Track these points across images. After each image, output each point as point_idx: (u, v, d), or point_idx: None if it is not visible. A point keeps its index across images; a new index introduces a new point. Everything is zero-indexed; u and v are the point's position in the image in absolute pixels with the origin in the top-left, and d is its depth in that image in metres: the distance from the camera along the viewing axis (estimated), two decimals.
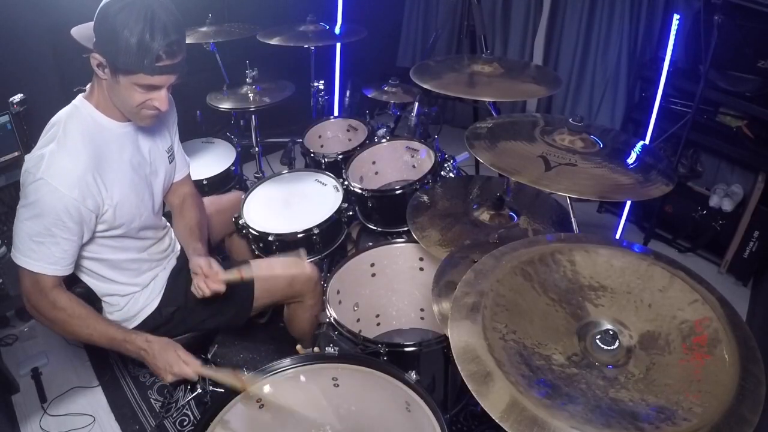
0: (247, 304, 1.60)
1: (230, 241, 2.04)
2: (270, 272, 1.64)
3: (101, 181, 1.26)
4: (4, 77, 2.27)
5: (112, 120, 1.30)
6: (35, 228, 1.20)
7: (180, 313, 1.51)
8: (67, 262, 1.26)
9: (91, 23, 1.18)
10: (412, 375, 1.21)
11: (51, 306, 1.27)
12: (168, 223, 1.65)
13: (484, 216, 1.73)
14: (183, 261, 1.61)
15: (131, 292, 1.46)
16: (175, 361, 1.27)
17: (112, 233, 1.34)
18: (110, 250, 1.38)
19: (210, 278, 1.40)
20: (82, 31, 1.29)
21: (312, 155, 2.38)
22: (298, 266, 1.67)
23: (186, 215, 1.62)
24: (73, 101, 1.28)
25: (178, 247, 1.65)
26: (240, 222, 1.92)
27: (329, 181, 2.14)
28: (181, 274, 1.58)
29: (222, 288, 1.40)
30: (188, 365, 1.27)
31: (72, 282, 1.45)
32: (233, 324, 1.63)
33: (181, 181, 1.65)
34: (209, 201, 1.93)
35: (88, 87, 1.30)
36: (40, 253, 1.22)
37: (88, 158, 1.23)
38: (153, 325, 1.49)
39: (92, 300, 1.44)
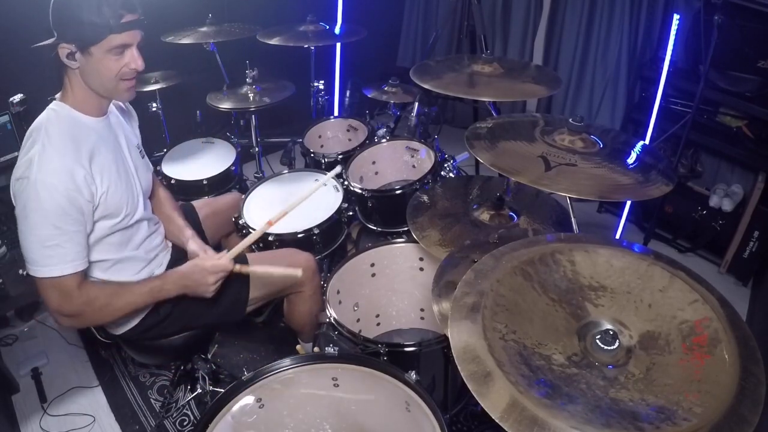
0: (243, 295, 1.60)
1: (228, 242, 2.04)
2: (266, 262, 1.65)
3: (90, 171, 1.28)
4: (4, 77, 2.27)
5: (90, 116, 1.34)
6: (44, 232, 1.20)
7: (177, 309, 1.51)
8: (83, 254, 1.28)
9: (43, 42, 1.25)
10: (412, 375, 1.21)
11: (85, 303, 1.28)
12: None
13: (484, 216, 1.73)
14: (176, 255, 1.62)
15: None
16: (210, 268, 1.41)
17: (110, 224, 1.35)
18: (108, 248, 1.39)
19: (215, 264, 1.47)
20: (46, 42, 1.32)
21: (312, 155, 2.38)
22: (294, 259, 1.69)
23: (157, 193, 1.68)
24: (49, 106, 1.31)
25: (170, 243, 1.66)
26: (240, 222, 1.92)
27: (329, 181, 2.14)
28: None
29: (229, 266, 1.46)
30: (220, 260, 1.44)
31: None
32: (230, 318, 1.63)
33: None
34: (206, 203, 1.93)
35: (58, 95, 1.33)
36: (56, 257, 1.22)
37: (74, 152, 1.25)
38: (151, 323, 1.49)
39: None
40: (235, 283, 1.59)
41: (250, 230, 1.89)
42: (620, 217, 2.79)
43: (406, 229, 1.81)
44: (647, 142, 2.24)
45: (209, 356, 1.77)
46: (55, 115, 1.28)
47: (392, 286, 1.91)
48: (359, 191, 2.06)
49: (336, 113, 3.36)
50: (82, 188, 1.24)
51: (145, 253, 1.51)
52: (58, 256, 1.22)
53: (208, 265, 1.43)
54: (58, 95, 1.34)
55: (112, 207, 1.33)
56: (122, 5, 1.22)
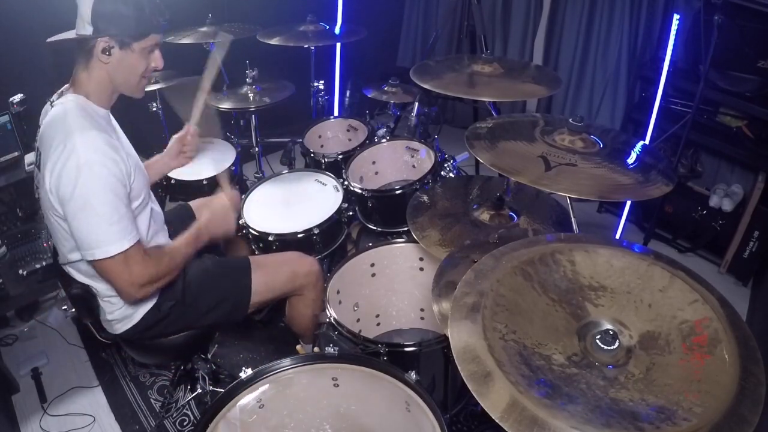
0: (245, 298, 1.61)
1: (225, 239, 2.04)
2: (269, 264, 1.67)
3: (118, 150, 1.31)
4: (4, 77, 2.27)
5: (100, 107, 1.37)
6: (108, 209, 1.24)
7: (178, 308, 1.51)
8: (135, 226, 1.32)
9: (65, 33, 1.31)
10: (412, 375, 1.21)
11: (156, 264, 1.35)
12: None
13: (484, 216, 1.73)
14: None
15: None
16: (223, 210, 1.61)
17: (134, 205, 1.38)
18: None
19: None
20: (64, 35, 1.36)
21: (312, 155, 2.38)
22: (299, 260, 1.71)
23: None
24: (59, 101, 1.33)
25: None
26: (240, 222, 1.92)
27: (329, 181, 2.14)
28: None
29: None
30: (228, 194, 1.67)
31: (69, 283, 1.45)
32: (231, 319, 1.63)
33: None
34: (202, 203, 1.93)
35: (64, 89, 1.37)
36: (122, 231, 1.26)
37: (103, 132, 1.30)
38: (152, 320, 1.49)
39: (89, 300, 1.44)
40: (237, 286, 1.60)
41: (251, 231, 1.89)
42: (620, 217, 2.79)
43: (406, 229, 1.81)
44: (647, 142, 2.24)
45: (209, 356, 1.77)
46: (74, 105, 1.31)
47: (392, 286, 1.91)
48: (359, 191, 2.06)
49: (336, 113, 3.36)
50: (120, 163, 1.28)
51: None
52: (124, 230, 1.27)
53: (227, 202, 1.62)
54: (65, 89, 1.36)
55: (136, 189, 1.37)
56: (158, 7, 1.33)
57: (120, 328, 1.49)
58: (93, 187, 1.22)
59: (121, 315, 1.46)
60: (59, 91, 1.39)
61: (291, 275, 1.67)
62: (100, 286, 1.42)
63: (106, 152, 1.25)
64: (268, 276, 1.64)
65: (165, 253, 1.40)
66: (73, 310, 1.53)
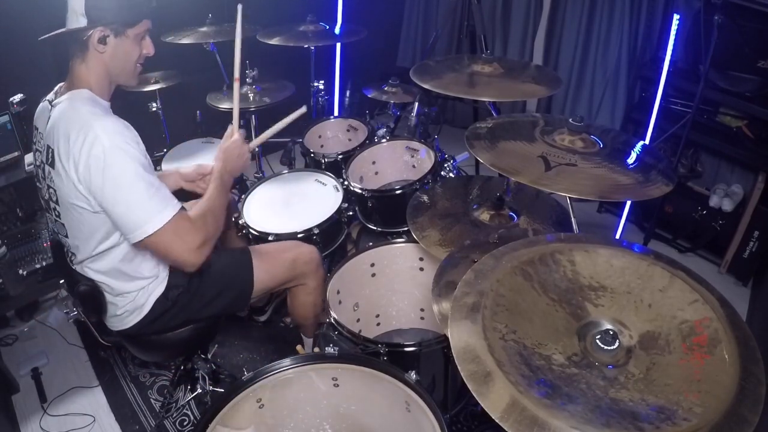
0: (248, 287, 1.61)
1: (222, 238, 2.04)
2: (269, 252, 1.68)
3: (134, 130, 1.33)
4: (4, 77, 2.27)
5: (102, 99, 1.38)
6: (142, 185, 1.25)
7: (184, 296, 1.51)
8: (171, 194, 1.34)
9: (56, 30, 1.31)
10: (412, 375, 1.21)
11: (204, 223, 1.38)
12: None
13: (484, 216, 1.73)
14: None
15: (144, 286, 1.47)
16: (234, 147, 1.62)
17: None
18: None
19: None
20: (56, 32, 1.36)
21: (312, 155, 2.38)
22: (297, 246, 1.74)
23: None
24: (61, 98, 1.33)
25: None
26: (240, 222, 1.92)
27: (329, 181, 2.14)
28: None
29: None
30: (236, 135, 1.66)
31: (74, 282, 1.45)
32: (235, 309, 1.64)
33: None
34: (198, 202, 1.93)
35: (62, 87, 1.38)
36: (163, 200, 1.28)
37: (117, 117, 1.32)
38: (161, 310, 1.49)
39: (96, 297, 1.44)
40: (240, 275, 1.61)
41: (251, 231, 1.89)
42: (620, 217, 2.79)
43: (406, 229, 1.81)
44: (647, 142, 2.24)
45: (209, 356, 1.77)
46: (81, 98, 1.31)
47: (392, 286, 1.91)
48: (359, 191, 2.06)
49: (336, 113, 3.36)
50: (139, 141, 1.30)
51: None
52: (164, 199, 1.29)
53: (237, 137, 1.64)
54: (60, 88, 1.37)
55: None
56: None
57: (130, 321, 1.48)
58: (123, 168, 1.24)
59: (132, 307, 1.46)
60: (54, 90, 1.39)
61: (291, 262, 1.68)
62: (114, 283, 1.42)
63: (126, 133, 1.27)
64: (269, 264, 1.65)
65: (206, 211, 1.41)
66: (75, 312, 1.53)
